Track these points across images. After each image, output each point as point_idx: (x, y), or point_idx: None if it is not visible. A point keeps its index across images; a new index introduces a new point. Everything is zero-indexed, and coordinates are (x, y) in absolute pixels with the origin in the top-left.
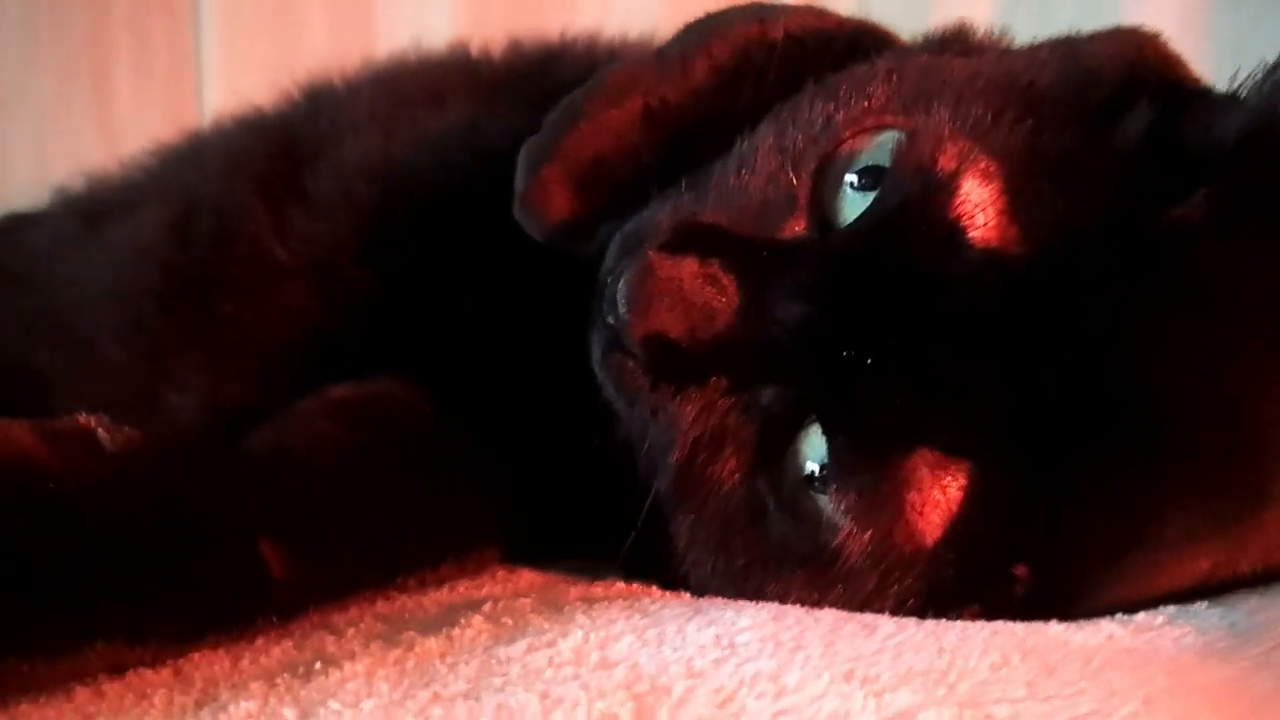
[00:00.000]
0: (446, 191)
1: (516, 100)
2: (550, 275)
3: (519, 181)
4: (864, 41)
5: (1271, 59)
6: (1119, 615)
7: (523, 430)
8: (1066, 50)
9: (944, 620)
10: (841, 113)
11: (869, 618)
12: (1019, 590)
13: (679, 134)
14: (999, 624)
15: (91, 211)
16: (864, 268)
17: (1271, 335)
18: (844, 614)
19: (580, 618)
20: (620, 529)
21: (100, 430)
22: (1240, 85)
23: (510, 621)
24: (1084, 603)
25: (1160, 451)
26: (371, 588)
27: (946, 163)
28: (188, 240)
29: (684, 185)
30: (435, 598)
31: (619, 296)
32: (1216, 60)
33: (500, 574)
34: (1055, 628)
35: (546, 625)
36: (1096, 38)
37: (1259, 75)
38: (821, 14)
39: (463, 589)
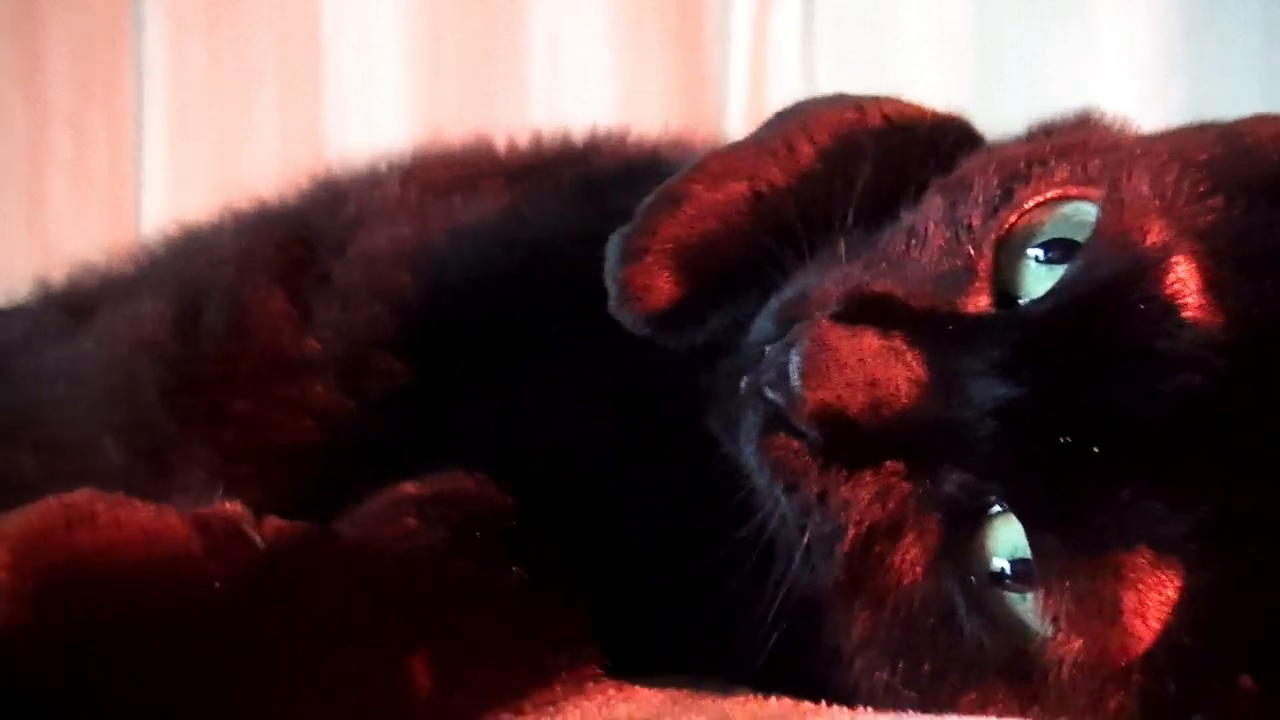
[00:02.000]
0: (492, 280)
1: (560, 189)
2: (626, 366)
3: (613, 269)
4: (960, 130)
5: None
6: None
7: (618, 530)
8: (1220, 132)
9: None
10: (1021, 184)
11: None
12: (1248, 705)
13: (787, 218)
14: None
15: (77, 305)
16: (1073, 345)
17: None
18: None
19: None
20: (744, 638)
21: (245, 522)
22: None
23: None
24: None
25: None
26: (494, 709)
27: (1155, 237)
28: (194, 333)
29: (842, 253)
30: (574, 718)
31: (792, 367)
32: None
33: (610, 691)
34: None
35: None
36: (1248, 120)
37: None
38: (909, 103)
39: (598, 706)
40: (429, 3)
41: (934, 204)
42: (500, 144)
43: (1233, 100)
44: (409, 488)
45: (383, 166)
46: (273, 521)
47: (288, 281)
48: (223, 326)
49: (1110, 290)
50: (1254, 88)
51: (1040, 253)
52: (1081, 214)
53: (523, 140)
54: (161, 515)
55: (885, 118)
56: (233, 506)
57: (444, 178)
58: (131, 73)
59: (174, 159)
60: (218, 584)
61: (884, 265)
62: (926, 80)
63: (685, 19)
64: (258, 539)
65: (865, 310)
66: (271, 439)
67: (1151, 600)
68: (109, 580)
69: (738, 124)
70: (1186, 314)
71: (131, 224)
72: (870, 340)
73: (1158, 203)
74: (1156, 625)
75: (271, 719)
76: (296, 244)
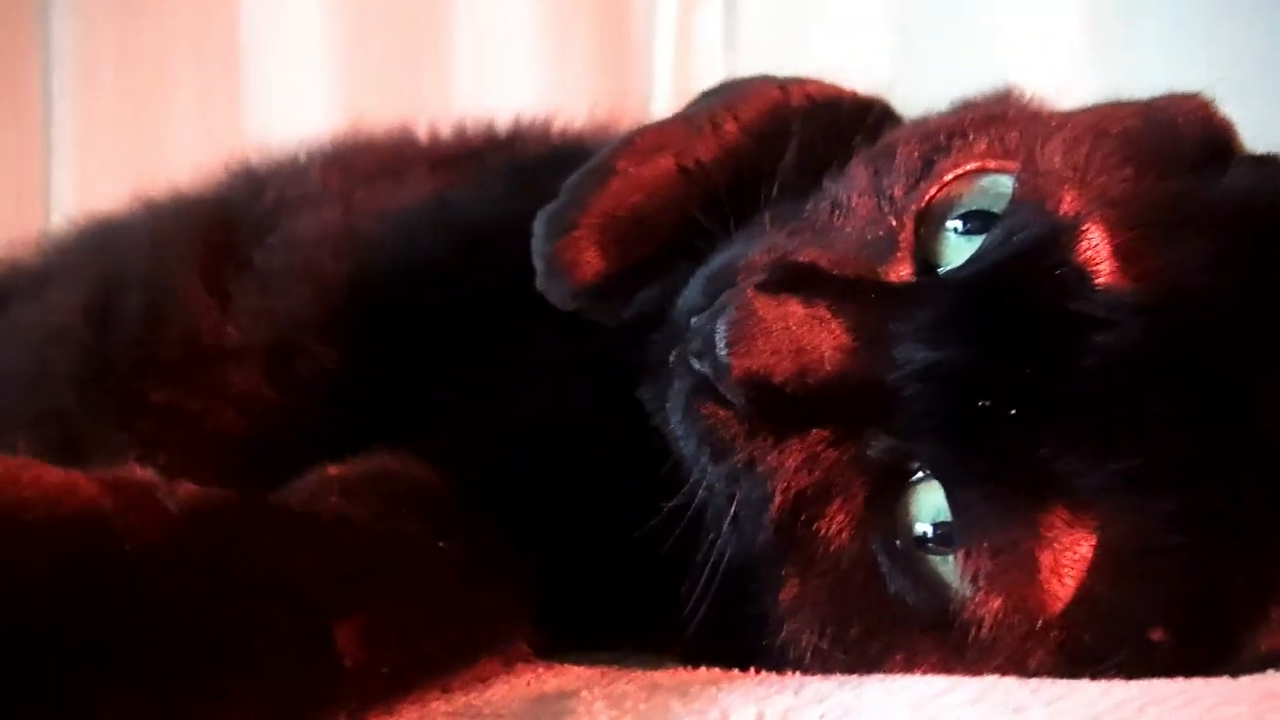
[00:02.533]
0: (420, 265)
1: (486, 175)
2: (552, 342)
3: (541, 245)
4: (882, 109)
5: None
6: (1270, 670)
7: (550, 505)
8: (1137, 107)
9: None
10: (942, 156)
11: (1059, 681)
12: (1160, 653)
13: (714, 193)
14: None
15: None
16: (993, 310)
17: None
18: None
19: (724, 698)
20: (675, 607)
21: (156, 487)
22: None
23: (642, 707)
24: (1226, 663)
25: None
26: (422, 687)
27: (1069, 206)
28: (109, 322)
29: (768, 223)
30: (501, 694)
31: (719, 336)
32: None
33: (539, 669)
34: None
35: (697, 706)
36: (1162, 98)
37: None
38: (831, 84)
39: (526, 682)
40: None
41: (858, 174)
42: (422, 132)
43: (1146, 86)
44: (332, 469)
45: (302, 155)
46: (187, 486)
47: (207, 269)
48: (139, 315)
49: (1026, 257)
50: (1168, 72)
51: (959, 224)
52: (999, 186)
53: (446, 129)
54: (68, 476)
55: (808, 97)
56: (143, 471)
57: (366, 165)
58: (39, 64)
59: (84, 152)
60: (128, 545)
61: (809, 235)
62: (848, 69)
63: (610, 8)
64: (170, 504)
65: (790, 279)
66: (192, 429)
67: (1067, 559)
68: (8, 537)
69: (663, 103)
70: (1099, 279)
71: (40, 220)
72: (795, 308)
73: (1072, 173)
74: (1072, 583)
75: (187, 682)
76: (215, 231)
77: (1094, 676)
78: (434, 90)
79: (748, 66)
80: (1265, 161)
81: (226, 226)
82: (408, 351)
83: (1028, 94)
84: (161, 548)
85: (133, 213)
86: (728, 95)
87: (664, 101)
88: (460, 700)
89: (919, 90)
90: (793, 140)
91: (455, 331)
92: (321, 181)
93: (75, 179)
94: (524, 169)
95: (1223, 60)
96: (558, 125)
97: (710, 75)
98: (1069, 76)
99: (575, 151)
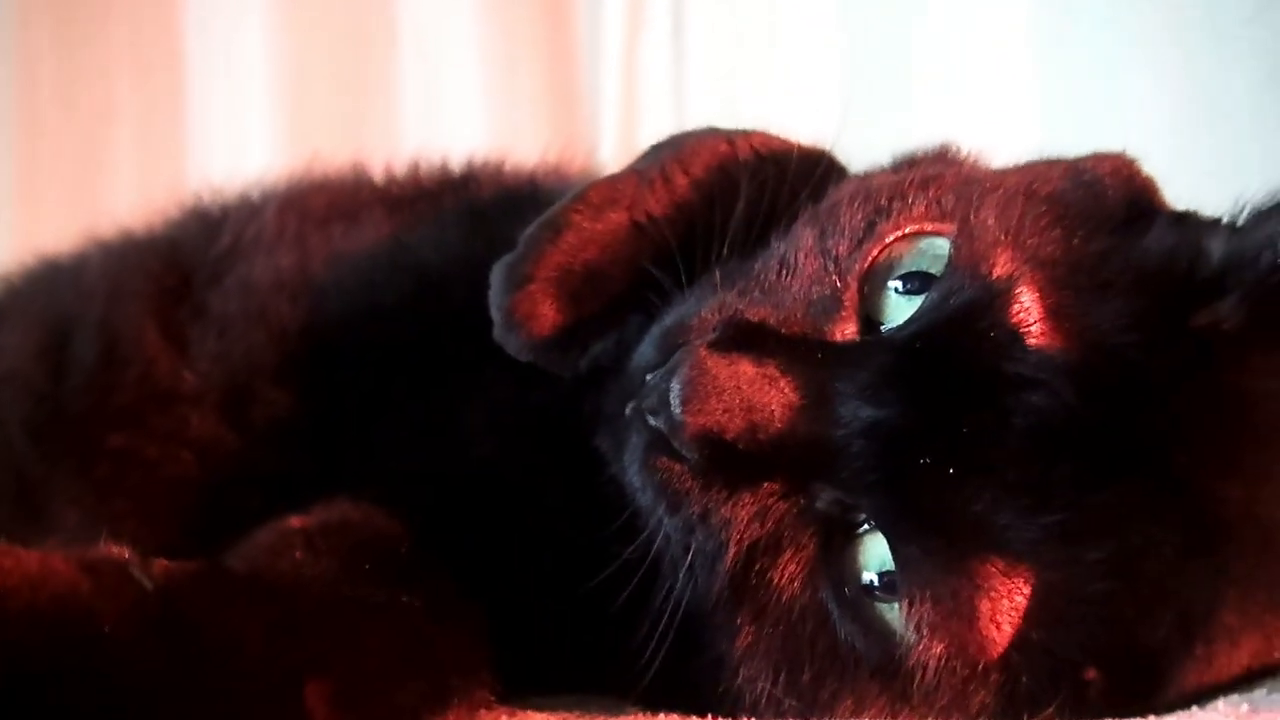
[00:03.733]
0: (377, 308)
1: (441, 217)
2: (514, 390)
3: (498, 297)
4: (827, 161)
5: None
6: (1194, 708)
7: (509, 551)
8: (1065, 167)
9: None
10: (883, 219)
11: None
12: (1093, 693)
13: (666, 247)
14: None
15: None
16: (931, 371)
17: None
18: None
19: None
20: (630, 656)
21: (132, 564)
22: (1241, 212)
23: None
24: (1155, 700)
25: (1214, 553)
26: None
27: (1002, 269)
28: (62, 366)
29: (718, 281)
30: None
31: (673, 394)
32: None
33: (503, 715)
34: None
35: None
36: (1087, 158)
37: (1270, 205)
38: (777, 136)
39: None
40: (296, 27)
41: (804, 234)
42: (377, 171)
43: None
44: (295, 521)
45: (256, 195)
46: (160, 563)
47: (161, 312)
48: (94, 359)
49: (962, 319)
50: (1104, 114)
51: (900, 284)
52: (935, 248)
53: (400, 168)
54: (46, 560)
55: (755, 150)
56: (119, 549)
57: (322, 206)
58: None
59: (26, 189)
60: (107, 627)
61: (758, 293)
62: (795, 104)
63: (556, 41)
64: (146, 581)
65: (741, 338)
66: (150, 474)
67: (1004, 606)
68: None
69: (610, 140)
70: (1031, 340)
71: None
72: (746, 367)
73: (1004, 236)
74: (1010, 629)
75: None
76: (169, 274)
77: (1032, 716)
78: (379, 125)
79: (694, 102)
80: (1183, 220)
81: (181, 269)
82: (365, 395)
83: (964, 150)
84: (138, 626)
85: (85, 253)
86: (677, 149)
87: (611, 136)
88: None
89: (871, 121)
90: (741, 195)
91: (412, 375)
92: (277, 224)
93: (16, 216)
94: (479, 212)
95: (1164, 85)
96: (510, 166)
97: (656, 106)
98: (1015, 93)
99: (529, 194)
